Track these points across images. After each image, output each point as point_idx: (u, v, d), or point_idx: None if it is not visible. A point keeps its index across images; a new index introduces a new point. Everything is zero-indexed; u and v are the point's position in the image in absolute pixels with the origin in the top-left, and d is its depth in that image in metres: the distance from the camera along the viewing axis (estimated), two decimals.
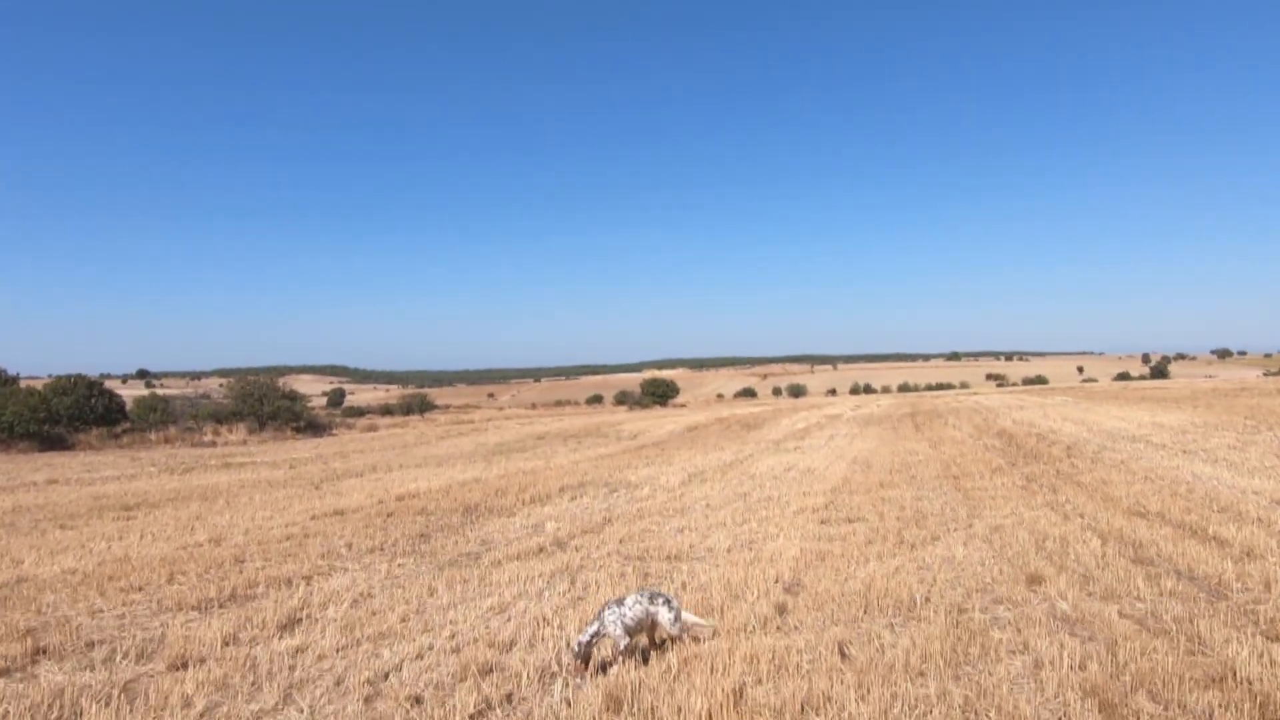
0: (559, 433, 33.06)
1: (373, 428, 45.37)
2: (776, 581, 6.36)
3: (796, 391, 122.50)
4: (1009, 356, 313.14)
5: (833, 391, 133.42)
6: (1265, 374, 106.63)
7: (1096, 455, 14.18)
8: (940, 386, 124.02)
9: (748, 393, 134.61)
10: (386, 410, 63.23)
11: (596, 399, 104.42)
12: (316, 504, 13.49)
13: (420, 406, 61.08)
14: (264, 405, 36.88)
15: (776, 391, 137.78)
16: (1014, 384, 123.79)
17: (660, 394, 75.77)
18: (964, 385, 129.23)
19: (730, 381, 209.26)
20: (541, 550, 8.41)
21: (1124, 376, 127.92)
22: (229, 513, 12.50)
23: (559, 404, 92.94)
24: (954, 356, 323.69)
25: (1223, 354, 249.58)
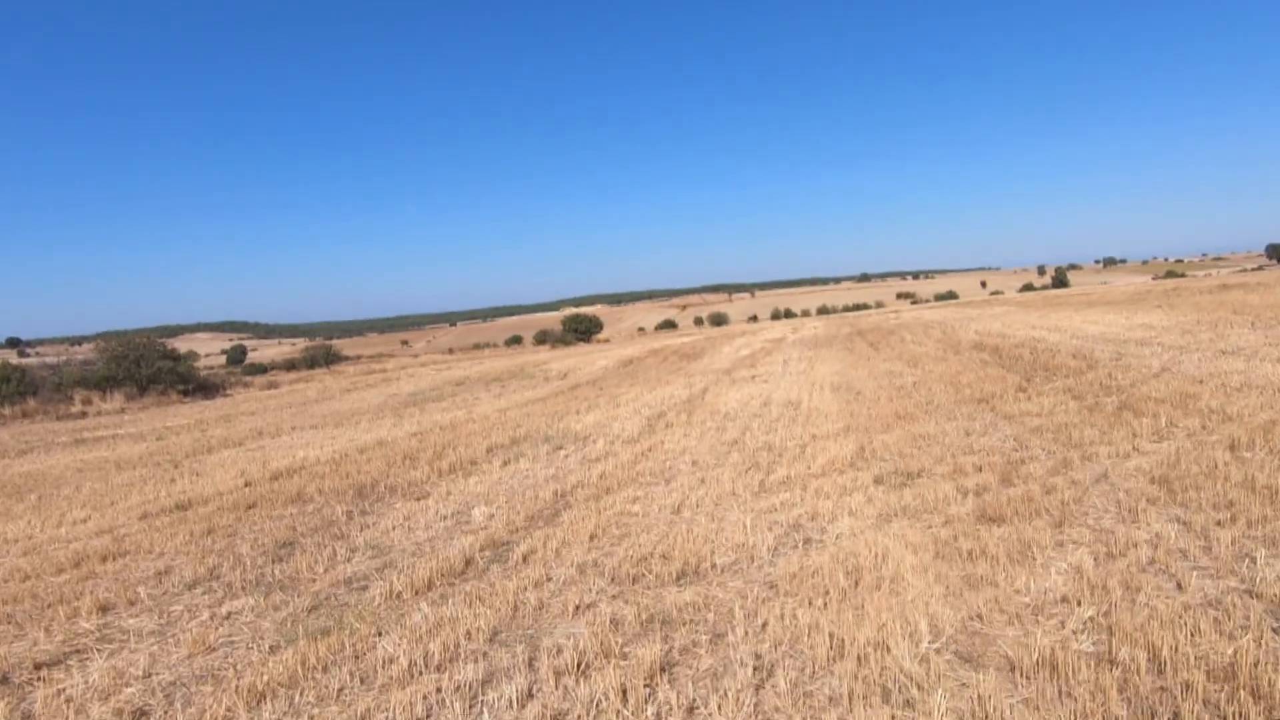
0: (480, 376, 29.60)
1: (273, 385, 40.63)
2: (935, 641, 3.46)
3: (718, 320, 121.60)
4: (915, 275, 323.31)
5: (753, 318, 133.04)
6: (1154, 278, 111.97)
7: (1122, 364, 12.02)
8: (859, 307, 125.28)
9: (668, 324, 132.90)
10: (291, 365, 57.79)
11: (516, 339, 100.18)
12: (161, 493, 9.97)
13: (326, 358, 55.84)
14: (142, 367, 31.87)
15: (698, 321, 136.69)
16: (926, 300, 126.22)
17: (583, 330, 72.40)
18: (879, 304, 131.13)
19: (650, 314, 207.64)
20: (469, 566, 5.32)
21: (1028, 288, 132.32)
22: (30, 515, 8.88)
23: (477, 347, 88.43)
24: (864, 278, 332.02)
25: (1109, 262, 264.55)
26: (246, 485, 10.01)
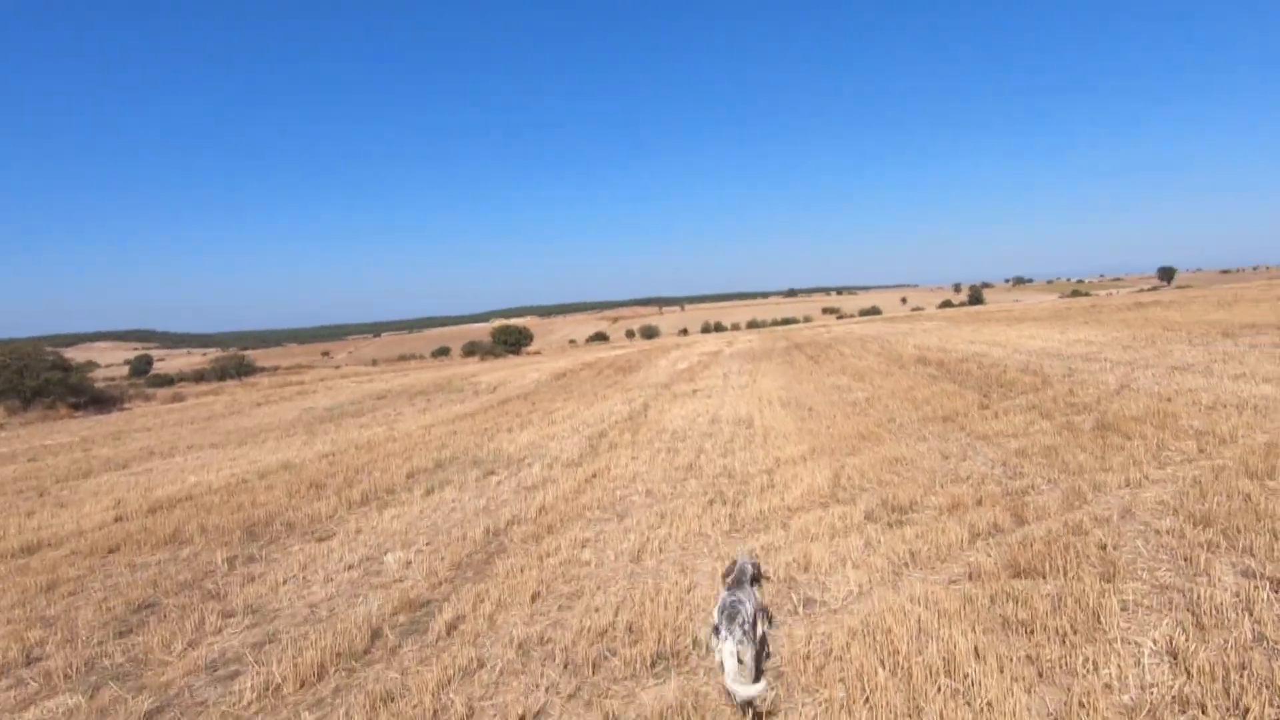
0: (404, 390, 27.86)
1: (178, 398, 37.49)
2: None
3: (650, 333, 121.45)
4: (839, 291, 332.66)
5: (684, 331, 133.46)
6: (1061, 296, 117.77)
7: (1077, 379, 11.65)
8: (788, 321, 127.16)
9: (600, 337, 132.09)
10: (200, 376, 53.91)
11: (443, 351, 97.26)
12: (10, 530, 8.42)
13: (239, 370, 52.33)
14: (27, 378, 28.74)
15: (629, 334, 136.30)
16: (851, 315, 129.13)
17: (513, 342, 70.59)
18: (808, 319, 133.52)
19: (581, 326, 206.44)
20: (376, 642, 4.12)
21: (947, 304, 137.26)
22: None
23: (402, 359, 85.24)
24: (791, 293, 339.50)
25: (1018, 281, 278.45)
26: (117, 520, 8.47)
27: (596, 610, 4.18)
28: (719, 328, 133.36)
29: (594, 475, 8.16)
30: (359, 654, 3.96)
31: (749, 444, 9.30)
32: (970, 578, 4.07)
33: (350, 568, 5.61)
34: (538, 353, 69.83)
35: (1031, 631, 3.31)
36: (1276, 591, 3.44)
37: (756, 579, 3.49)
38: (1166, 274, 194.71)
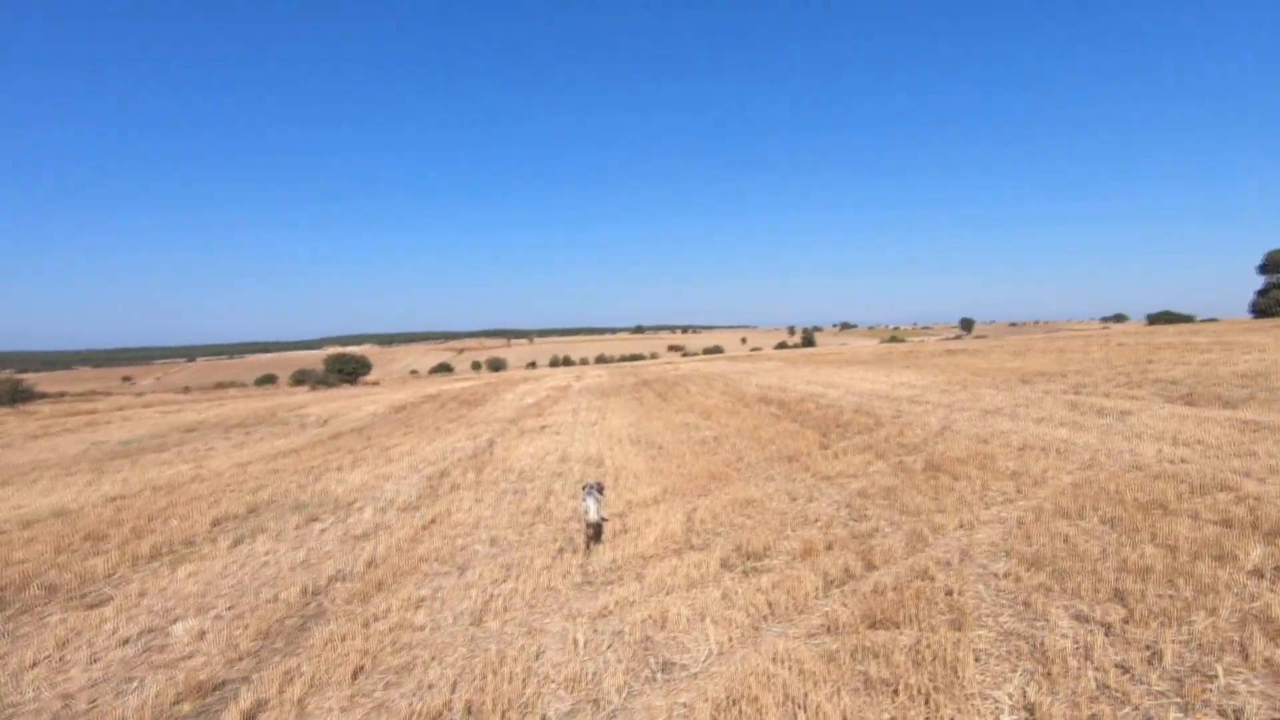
0: (219, 421, 25.18)
1: None
2: None
3: (497, 365, 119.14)
4: (684, 329, 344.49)
5: (533, 364, 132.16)
6: (881, 341, 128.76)
7: (905, 420, 12.43)
8: (635, 357, 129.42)
9: (444, 368, 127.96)
10: None
11: (269, 379, 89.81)
12: None
13: (13, 396, 45.26)
14: None
15: (476, 366, 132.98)
16: (695, 353, 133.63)
17: (349, 371, 66.45)
18: (654, 355, 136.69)
19: (424, 357, 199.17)
20: None
21: (782, 345, 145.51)
22: None
23: (220, 386, 77.70)
24: (639, 329, 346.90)
25: (845, 326, 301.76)
26: None
27: (430, 687, 3.65)
28: (568, 362, 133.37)
29: (433, 521, 7.51)
30: None
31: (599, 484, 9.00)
32: (829, 630, 3.96)
33: (126, 642, 4.66)
34: (376, 383, 66.18)
35: (895, 691, 3.21)
36: (1109, 636, 3.58)
37: (601, 489, 6.70)
38: (967, 324, 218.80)
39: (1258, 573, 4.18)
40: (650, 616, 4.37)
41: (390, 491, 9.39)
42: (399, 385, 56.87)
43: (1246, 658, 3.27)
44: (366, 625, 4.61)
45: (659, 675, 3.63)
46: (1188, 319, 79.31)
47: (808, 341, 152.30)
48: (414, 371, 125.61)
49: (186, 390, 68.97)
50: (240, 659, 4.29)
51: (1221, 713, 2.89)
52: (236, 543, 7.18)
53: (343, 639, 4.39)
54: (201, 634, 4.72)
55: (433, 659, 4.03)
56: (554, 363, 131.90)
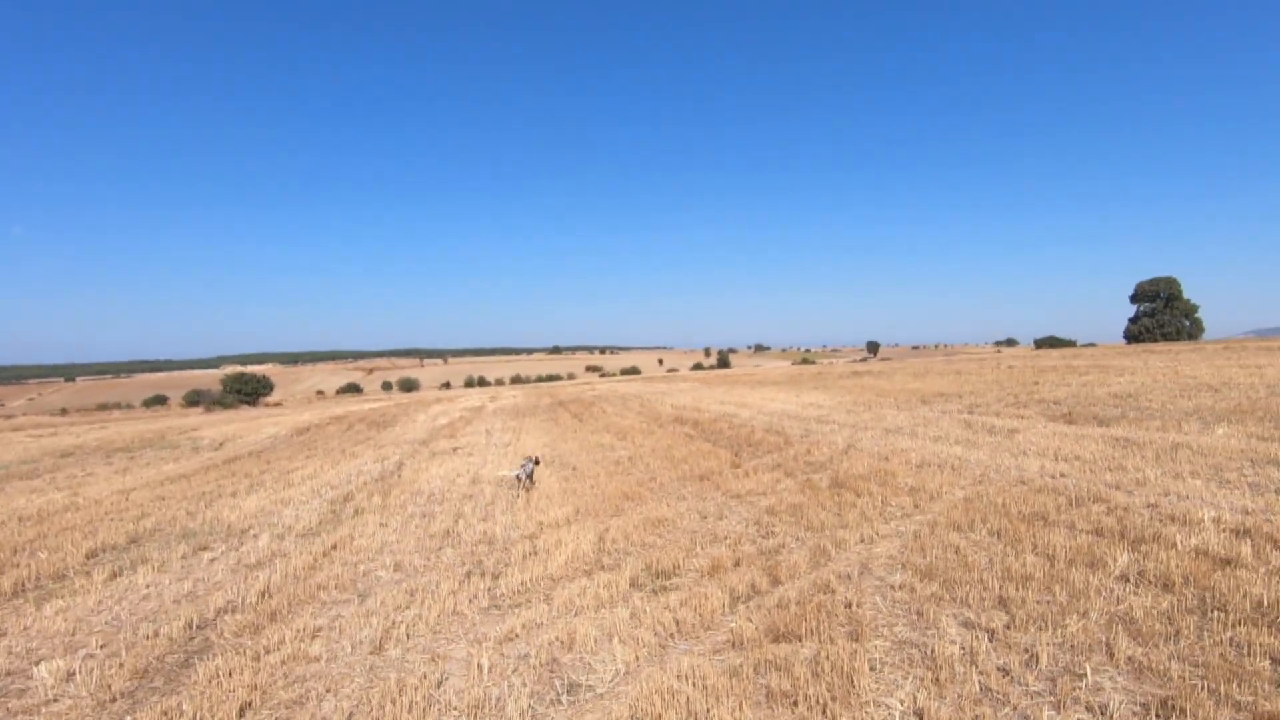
0: (100, 445, 23.44)
1: None
2: None
3: (409, 385, 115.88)
4: (602, 350, 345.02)
5: (447, 385, 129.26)
6: (793, 363, 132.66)
7: (812, 439, 12.82)
8: (552, 377, 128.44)
9: (353, 388, 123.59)
10: None
11: (159, 400, 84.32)
12: None
13: None
14: None
15: (387, 386, 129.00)
16: (613, 374, 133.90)
17: (249, 391, 63.29)
18: (571, 376, 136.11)
19: (332, 377, 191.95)
20: None
21: (698, 366, 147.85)
22: None
23: (103, 408, 72.41)
24: (556, 350, 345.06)
25: (758, 348, 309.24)
26: None
27: None
28: (483, 382, 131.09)
29: (334, 547, 7.21)
30: None
31: (511, 506, 8.87)
32: (734, 646, 4.02)
33: None
34: (279, 404, 63.24)
35: (795, 703, 3.29)
36: (992, 641, 3.78)
37: (537, 462, 10.10)
38: (873, 347, 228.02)
39: (1124, 577, 4.51)
40: (558, 638, 4.32)
41: (289, 517, 8.96)
42: (303, 406, 54.47)
43: (1112, 656, 3.51)
44: (257, 658, 4.36)
45: (564, 697, 3.59)
46: (1070, 344, 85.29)
47: (723, 363, 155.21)
48: (320, 392, 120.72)
49: (64, 412, 63.96)
50: (113, 700, 3.98)
51: (1089, 709, 3.09)
52: (114, 575, 6.68)
53: (229, 674, 4.14)
54: (69, 675, 4.35)
55: (328, 691, 3.85)
56: (469, 383, 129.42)
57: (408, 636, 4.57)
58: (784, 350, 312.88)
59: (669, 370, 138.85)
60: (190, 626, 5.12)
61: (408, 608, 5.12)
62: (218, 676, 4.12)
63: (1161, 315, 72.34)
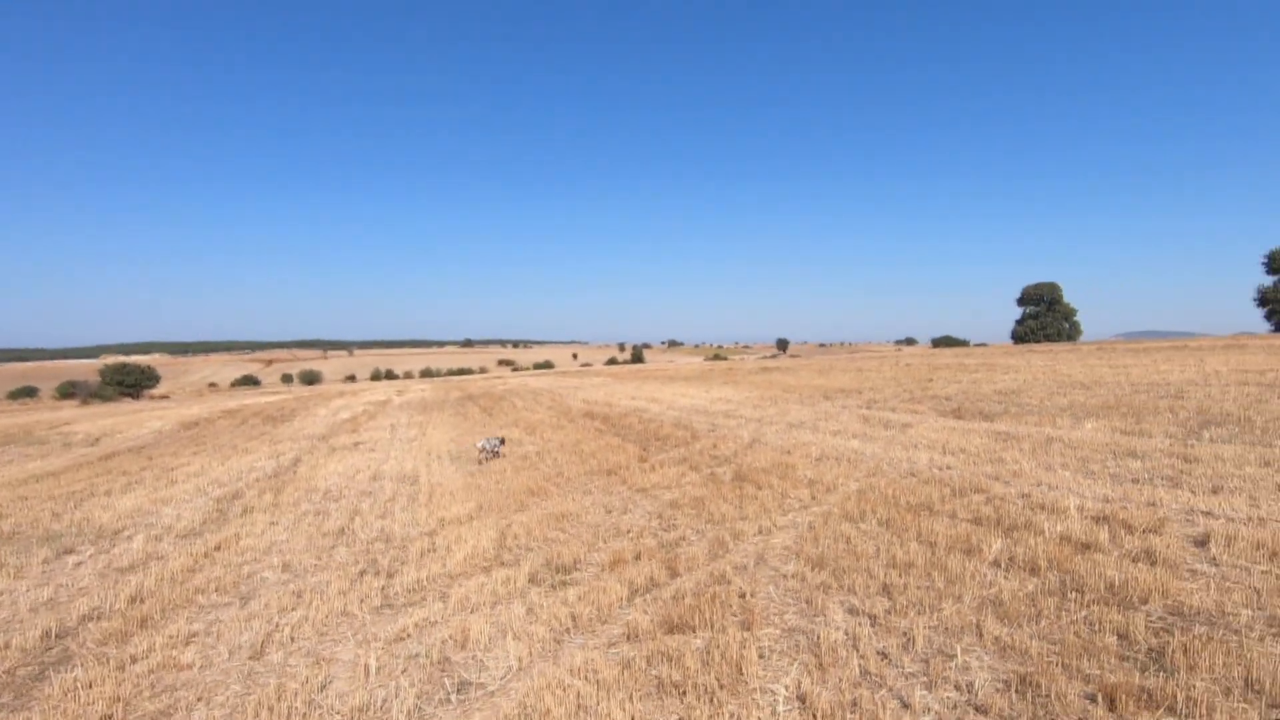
0: None
1: None
2: None
3: (310, 379, 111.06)
4: (515, 344, 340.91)
5: (352, 378, 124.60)
6: (706, 359, 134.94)
7: (719, 434, 13.06)
8: (464, 371, 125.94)
9: (249, 381, 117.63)
10: None
11: (27, 392, 77.59)
12: None
13: None
14: None
15: (287, 379, 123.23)
16: (526, 368, 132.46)
17: (131, 383, 59.13)
18: (483, 370, 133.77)
19: (226, 368, 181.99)
20: None
21: (613, 361, 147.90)
22: None
23: None
24: (468, 343, 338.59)
25: (672, 344, 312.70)
26: None
27: None
28: (390, 375, 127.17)
29: (217, 548, 6.82)
30: None
31: (413, 502, 8.64)
32: (629, 638, 4.04)
33: None
34: (165, 397, 59.47)
35: (684, 693, 3.33)
36: (874, 626, 3.95)
37: (503, 440, 12.55)
38: (783, 344, 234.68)
39: (996, 563, 4.80)
40: (451, 636, 4.22)
41: (169, 517, 8.42)
42: (193, 399, 51.35)
43: (981, 637, 3.73)
44: (121, 668, 4.07)
45: (454, 696, 3.51)
46: (964, 343, 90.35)
47: (637, 358, 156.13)
48: (213, 384, 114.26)
49: None
50: None
51: (957, 687, 3.27)
52: None
53: (89, 686, 3.85)
54: None
55: (199, 700, 3.64)
56: (375, 376, 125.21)
57: (292, 640, 4.37)
58: (697, 346, 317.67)
59: (583, 365, 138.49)
60: (48, 636, 4.73)
61: (293, 609, 4.90)
62: (75, 689, 3.83)
63: (1044, 318, 77.59)
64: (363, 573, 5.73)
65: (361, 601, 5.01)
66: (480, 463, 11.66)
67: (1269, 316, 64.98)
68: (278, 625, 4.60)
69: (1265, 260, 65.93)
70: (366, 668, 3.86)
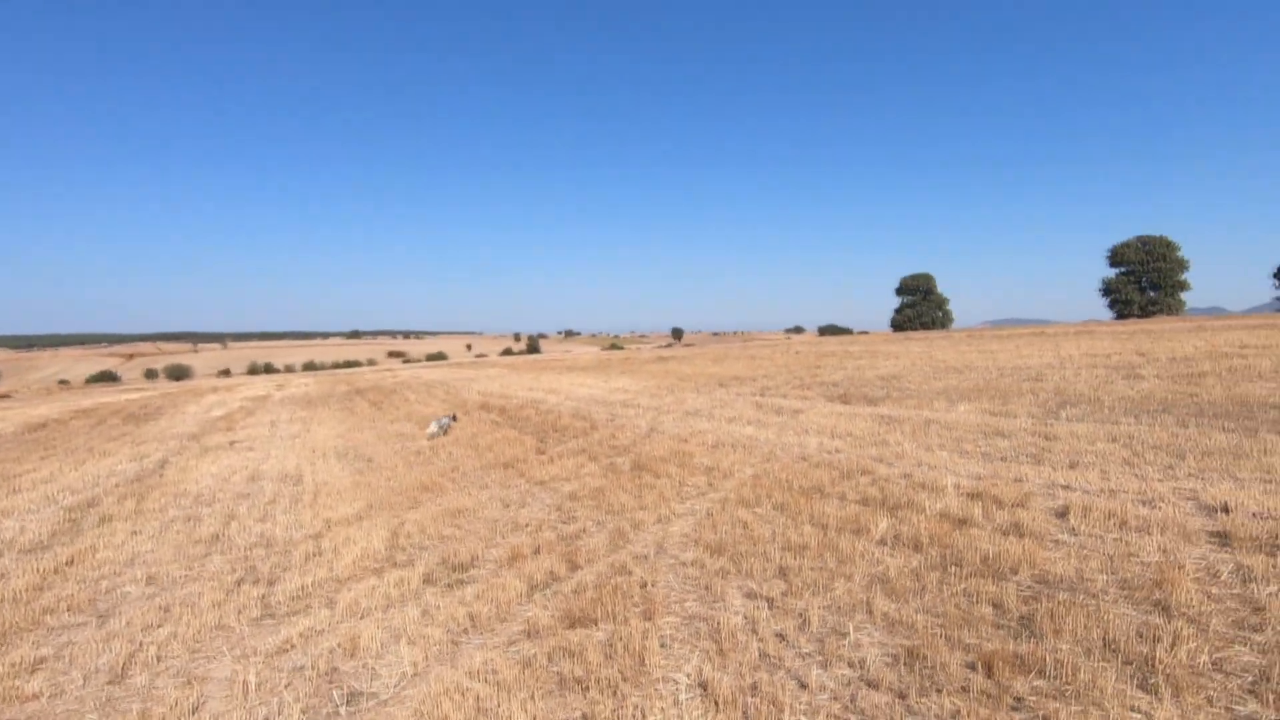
0: None
1: None
2: None
3: (178, 373, 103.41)
4: (406, 335, 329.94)
5: (226, 372, 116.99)
6: (603, 349, 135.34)
7: (618, 424, 13.09)
8: (351, 364, 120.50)
9: (107, 376, 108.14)
10: None
11: None
12: None
13: None
14: None
15: (151, 374, 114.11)
16: (418, 360, 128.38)
17: None
18: (372, 362, 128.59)
19: (80, 364, 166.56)
20: None
21: (508, 352, 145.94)
22: None
23: None
24: (355, 334, 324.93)
25: (569, 333, 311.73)
26: None
27: None
28: (270, 369, 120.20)
29: (69, 562, 6.20)
30: None
31: (296, 504, 8.17)
32: (529, 635, 3.95)
33: None
34: (6, 396, 53.70)
35: (587, 688, 3.29)
36: (771, 609, 4.04)
37: (455, 419, 14.03)
38: (678, 334, 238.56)
39: (883, 542, 5.02)
40: (339, 645, 4.00)
41: (10, 530, 7.59)
42: (40, 398, 46.63)
43: (871, 614, 3.88)
44: None
45: (343, 709, 3.32)
46: (848, 331, 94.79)
47: (533, 348, 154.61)
48: (64, 381, 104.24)
49: None
50: None
51: (850, 664, 3.39)
52: None
53: None
54: None
55: None
56: (253, 370, 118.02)
57: (158, 659, 4.01)
58: (594, 336, 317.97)
59: (478, 356, 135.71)
60: None
61: (160, 626, 4.51)
62: None
63: (920, 306, 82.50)
64: (240, 582, 5.35)
65: (239, 613, 4.67)
66: (436, 436, 13.10)
67: (1112, 305, 72.20)
68: (141, 644, 4.21)
69: (1109, 255, 73.14)
70: (245, 685, 3.59)
